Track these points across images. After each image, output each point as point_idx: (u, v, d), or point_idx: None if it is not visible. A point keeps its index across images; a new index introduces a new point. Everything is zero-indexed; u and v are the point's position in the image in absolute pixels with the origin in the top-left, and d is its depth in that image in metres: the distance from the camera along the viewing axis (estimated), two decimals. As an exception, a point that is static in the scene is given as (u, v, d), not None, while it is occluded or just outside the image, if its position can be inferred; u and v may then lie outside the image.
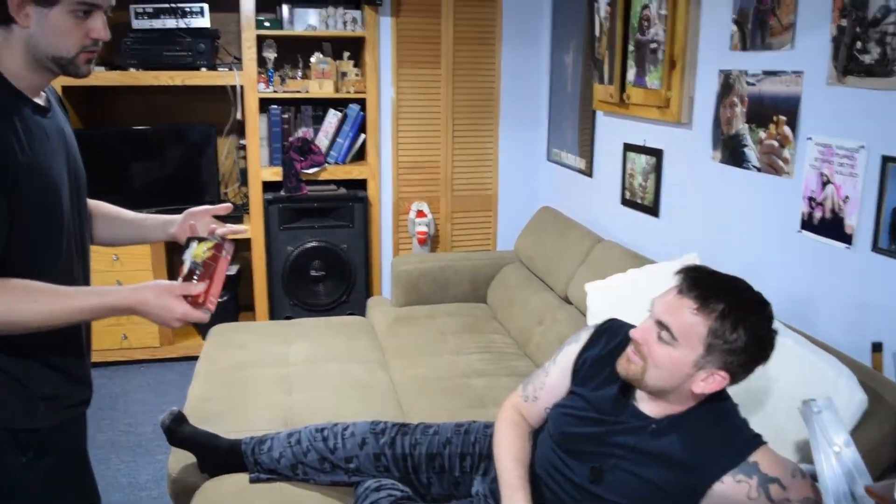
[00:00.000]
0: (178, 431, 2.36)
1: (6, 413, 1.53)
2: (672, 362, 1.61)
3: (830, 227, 2.21)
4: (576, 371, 1.88)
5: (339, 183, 4.36)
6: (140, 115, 4.34)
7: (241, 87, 4.10)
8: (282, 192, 4.21)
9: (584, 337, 1.93)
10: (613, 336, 1.86)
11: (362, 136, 4.35)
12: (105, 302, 1.49)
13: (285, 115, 4.27)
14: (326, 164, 4.28)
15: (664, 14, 2.95)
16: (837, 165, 2.17)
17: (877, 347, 2.01)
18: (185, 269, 1.61)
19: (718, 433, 1.64)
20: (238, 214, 4.33)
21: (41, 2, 1.42)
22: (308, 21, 4.24)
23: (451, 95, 4.42)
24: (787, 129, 2.39)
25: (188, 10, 4.07)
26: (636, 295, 2.57)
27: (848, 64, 2.11)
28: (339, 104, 4.35)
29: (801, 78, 2.32)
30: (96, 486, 1.81)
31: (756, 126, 2.54)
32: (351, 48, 4.37)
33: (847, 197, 2.14)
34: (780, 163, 2.42)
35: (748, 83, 2.56)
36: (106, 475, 3.24)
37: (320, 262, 4.30)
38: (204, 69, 4.07)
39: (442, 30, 4.33)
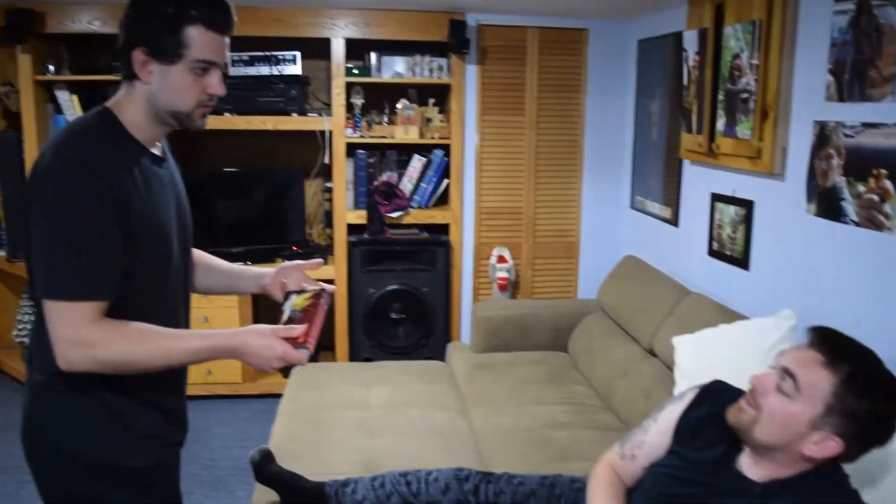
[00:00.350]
0: (266, 469, 2.40)
1: (107, 449, 1.59)
2: (787, 416, 1.55)
3: (938, 287, 2.12)
4: (678, 431, 1.83)
5: (421, 227, 4.41)
6: (229, 156, 4.49)
7: (330, 132, 4.21)
8: (365, 235, 4.28)
9: (688, 397, 1.88)
10: (719, 397, 1.80)
11: (445, 181, 4.40)
12: (211, 343, 1.53)
13: (371, 160, 4.36)
14: (410, 209, 4.34)
15: (756, 64, 2.91)
16: (946, 223, 2.09)
17: None
18: (285, 317, 1.64)
19: (826, 503, 1.57)
20: (322, 255, 4.40)
21: (163, 60, 1.51)
22: (395, 68, 4.34)
23: (535, 142, 4.44)
24: (888, 183, 2.31)
25: (281, 57, 4.22)
26: (728, 351, 2.51)
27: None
28: (424, 149, 4.41)
29: (905, 132, 2.25)
30: None
31: (854, 179, 2.46)
32: (436, 94, 4.45)
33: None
34: (881, 217, 2.34)
35: (846, 135, 2.50)
36: (188, 510, 3.29)
37: (401, 304, 4.33)
38: (295, 114, 4.20)
39: (527, 78, 4.37)
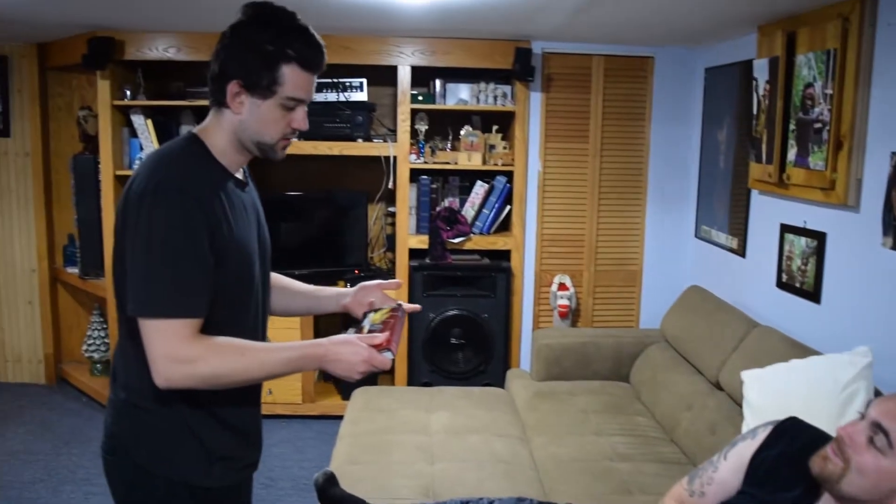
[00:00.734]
0: (329, 492, 2.41)
1: (186, 469, 1.63)
2: (879, 473, 1.49)
3: None
4: (750, 470, 1.78)
5: (482, 253, 4.42)
6: (293, 179, 4.57)
7: (395, 157, 4.26)
8: (427, 260, 4.31)
9: (761, 434, 1.83)
10: (796, 437, 1.75)
11: (507, 207, 4.40)
12: (301, 353, 1.56)
13: (434, 185, 4.39)
14: (471, 234, 4.35)
15: (830, 93, 2.85)
16: None
17: None
18: (365, 332, 1.68)
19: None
20: (384, 279, 4.43)
21: (257, 94, 1.57)
22: (459, 95, 4.38)
23: (599, 169, 4.42)
24: (971, 218, 2.24)
25: (349, 84, 4.30)
26: (800, 387, 2.44)
27: None
28: (486, 175, 4.43)
29: None
30: None
31: (935, 213, 2.39)
32: (500, 121, 4.47)
33: None
34: (965, 254, 2.26)
35: (926, 168, 2.43)
36: (249, 530, 3.33)
37: (460, 330, 4.33)
38: (360, 140, 4.27)
39: (591, 105, 4.37)
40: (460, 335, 4.33)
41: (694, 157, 4.40)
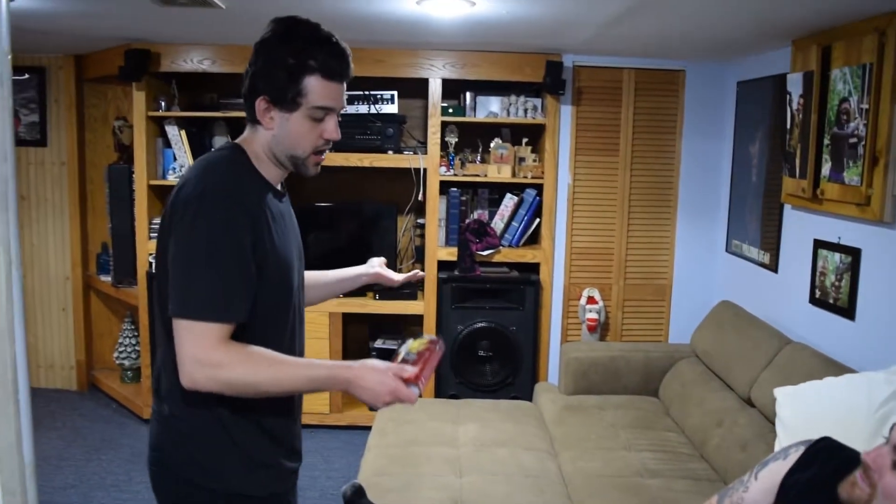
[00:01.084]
0: (357, 505, 2.41)
1: (230, 479, 1.64)
2: None
3: None
4: (782, 492, 1.76)
5: (511, 265, 4.42)
6: (323, 190, 4.60)
7: (425, 169, 4.28)
8: (456, 272, 4.31)
9: (793, 455, 1.80)
10: (829, 457, 1.72)
11: (537, 220, 4.40)
12: (328, 373, 1.56)
13: (463, 198, 4.40)
14: (500, 247, 4.35)
15: (865, 108, 2.82)
16: None
17: None
18: (399, 359, 1.67)
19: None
20: (412, 291, 4.45)
21: (284, 108, 1.59)
22: (490, 108, 4.39)
23: (629, 183, 4.40)
24: None
25: (379, 97, 4.33)
26: (835, 406, 2.41)
27: None
28: (516, 188, 4.43)
29: None
30: None
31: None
32: (529, 134, 4.48)
33: None
34: None
35: (965, 184, 2.39)
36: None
37: (488, 342, 4.33)
38: (391, 152, 4.29)
39: (622, 119, 4.35)
40: (488, 347, 4.33)
41: (725, 171, 4.37)
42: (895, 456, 1.48)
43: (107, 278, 4.89)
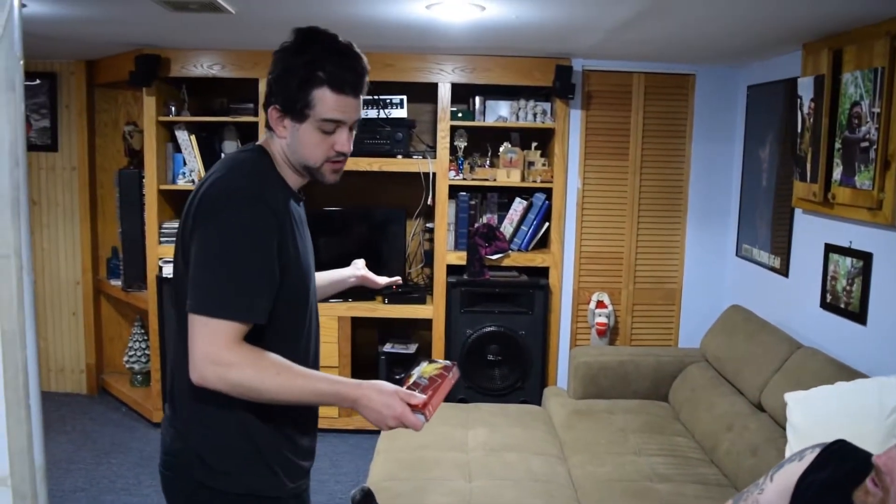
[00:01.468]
0: (366, 509, 2.41)
1: (246, 481, 1.64)
2: None
3: None
4: (797, 494, 1.75)
5: (520, 270, 4.41)
6: (332, 194, 4.59)
7: (434, 174, 4.28)
8: (465, 276, 4.31)
9: (808, 457, 1.79)
10: (844, 460, 1.71)
11: (546, 224, 4.39)
12: (335, 389, 1.55)
13: (472, 202, 4.40)
14: (510, 251, 4.35)
15: (877, 112, 2.81)
16: None
17: None
18: (411, 381, 1.65)
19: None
20: (421, 295, 4.45)
21: (293, 118, 1.60)
22: (499, 112, 4.39)
23: (638, 187, 4.40)
24: None
25: (389, 101, 4.34)
26: (846, 411, 2.40)
27: None
28: (525, 192, 4.43)
29: None
30: None
31: None
32: (539, 138, 4.47)
33: None
34: None
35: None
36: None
37: (497, 346, 4.32)
38: (400, 156, 4.30)
39: (632, 123, 4.35)
40: (497, 352, 4.32)
41: (735, 176, 4.36)
42: None
43: (117, 282, 4.91)
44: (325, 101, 1.57)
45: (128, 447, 4.30)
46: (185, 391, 1.59)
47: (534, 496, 2.76)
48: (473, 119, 4.37)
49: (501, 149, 4.37)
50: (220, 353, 1.47)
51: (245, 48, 4.21)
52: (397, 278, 2.36)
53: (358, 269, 2.23)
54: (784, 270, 3.70)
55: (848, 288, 3.11)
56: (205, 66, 4.26)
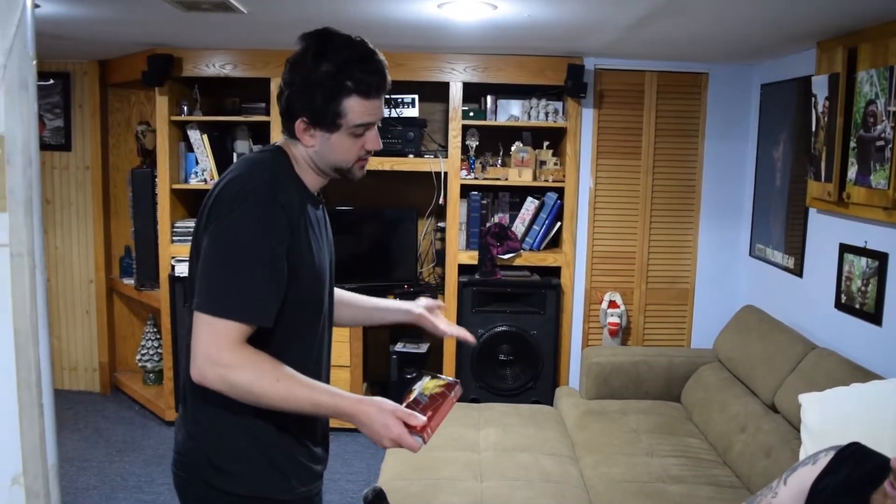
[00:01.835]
0: (378, 510, 2.40)
1: (259, 484, 1.63)
2: None
3: None
4: (812, 497, 1.73)
5: (532, 269, 4.40)
6: (344, 194, 4.61)
7: (445, 173, 4.27)
8: (476, 276, 4.30)
9: (822, 460, 1.77)
10: (859, 463, 1.69)
11: (558, 224, 4.38)
12: (334, 403, 1.52)
13: (484, 201, 4.39)
14: (521, 251, 4.34)
15: (893, 110, 2.78)
16: None
17: None
18: (412, 398, 1.62)
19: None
20: (433, 294, 4.45)
21: (324, 129, 1.59)
22: (511, 112, 4.38)
23: (651, 186, 4.38)
24: None
25: (400, 100, 4.33)
26: (861, 413, 2.38)
27: None
28: (537, 192, 4.42)
29: None
30: None
31: None
32: (551, 137, 4.46)
33: None
34: None
35: None
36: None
37: (509, 346, 4.31)
38: (411, 156, 4.30)
39: (644, 122, 4.33)
40: (509, 352, 4.31)
41: (749, 175, 4.33)
42: None
43: (130, 281, 4.93)
44: (356, 108, 1.56)
45: (140, 445, 4.31)
46: (197, 392, 1.58)
47: (546, 497, 2.75)
48: (485, 118, 4.36)
49: (513, 148, 4.36)
50: (221, 354, 1.47)
51: (257, 48, 4.21)
52: (469, 337, 2.04)
53: (418, 306, 2.03)
54: (798, 270, 3.68)
55: (863, 288, 3.08)
56: (217, 66, 4.27)
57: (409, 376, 4.38)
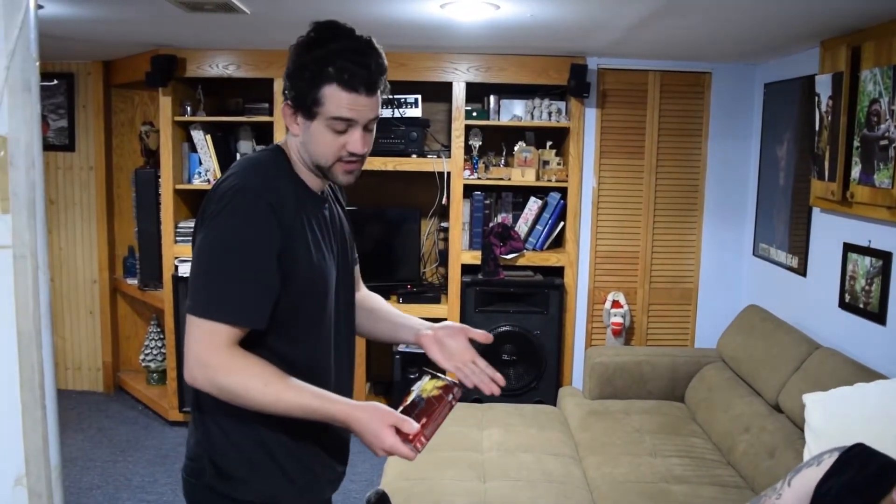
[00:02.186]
0: (382, 511, 2.40)
1: (267, 492, 1.62)
2: None
3: None
4: (817, 498, 1.72)
5: (535, 269, 4.40)
6: (347, 194, 4.60)
7: (448, 173, 4.27)
8: (479, 276, 4.30)
9: (826, 461, 1.76)
10: (864, 465, 1.68)
11: (561, 223, 4.38)
12: (326, 408, 1.48)
13: (487, 201, 4.39)
14: (524, 251, 4.33)
15: (897, 110, 2.78)
16: None
17: None
18: (409, 400, 1.59)
19: None
20: (435, 295, 4.45)
21: (305, 115, 1.55)
22: (514, 111, 4.38)
23: (654, 186, 4.37)
24: None
25: (403, 101, 4.33)
26: (866, 413, 2.37)
27: None
28: (540, 192, 4.41)
29: None
30: None
31: None
32: (554, 137, 4.46)
33: None
34: None
35: None
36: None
37: (512, 346, 4.31)
38: (414, 156, 4.29)
39: (647, 122, 4.32)
40: (512, 352, 4.31)
41: (752, 174, 4.32)
42: None
43: (133, 281, 4.93)
44: (334, 98, 1.50)
45: (144, 445, 4.32)
46: (205, 396, 1.55)
47: (549, 497, 2.75)
48: (488, 118, 4.36)
49: (516, 148, 4.36)
50: (210, 356, 1.45)
51: (260, 48, 4.21)
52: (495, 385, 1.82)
53: (428, 328, 1.86)
54: (802, 270, 3.67)
55: (867, 287, 3.07)
56: (220, 67, 4.28)
57: (411, 376, 4.37)
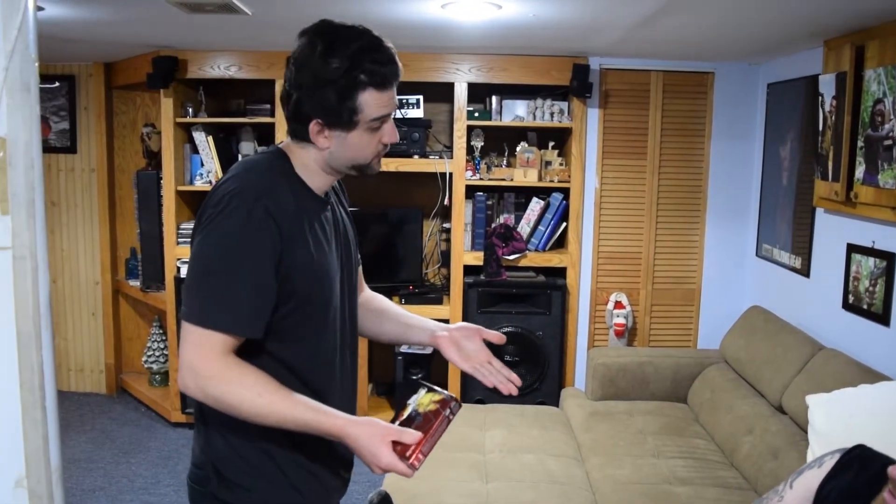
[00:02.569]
0: (384, 512, 2.39)
1: (272, 497, 1.60)
2: None
3: None
4: (819, 500, 1.71)
5: (537, 270, 4.39)
6: (348, 195, 4.59)
7: (450, 174, 4.27)
8: (482, 276, 4.29)
9: (828, 463, 1.75)
10: (865, 467, 1.67)
11: (563, 224, 4.37)
12: (320, 422, 1.45)
13: (489, 202, 4.38)
14: (527, 251, 4.33)
15: (900, 110, 2.76)
16: None
17: None
18: (406, 414, 1.55)
19: None
20: (437, 296, 4.44)
21: (340, 128, 1.52)
22: (516, 112, 4.37)
23: (657, 186, 4.36)
24: None
25: (405, 101, 4.33)
26: (870, 414, 2.36)
27: None
28: (542, 192, 4.41)
29: None
30: None
31: None
32: (556, 137, 4.45)
33: None
34: None
35: None
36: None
37: (515, 347, 4.30)
38: (416, 156, 4.29)
39: (650, 122, 4.31)
40: (514, 352, 4.30)
41: (755, 175, 4.31)
42: None
43: (135, 283, 4.93)
44: (372, 102, 1.50)
45: (146, 446, 4.32)
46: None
47: (551, 498, 2.74)
48: (490, 119, 4.35)
49: (518, 148, 4.36)
50: (202, 364, 1.43)
51: (261, 49, 4.21)
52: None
53: (446, 328, 1.84)
54: (805, 271, 3.66)
55: (870, 288, 3.06)
56: (221, 68, 4.28)
57: (414, 377, 4.37)
